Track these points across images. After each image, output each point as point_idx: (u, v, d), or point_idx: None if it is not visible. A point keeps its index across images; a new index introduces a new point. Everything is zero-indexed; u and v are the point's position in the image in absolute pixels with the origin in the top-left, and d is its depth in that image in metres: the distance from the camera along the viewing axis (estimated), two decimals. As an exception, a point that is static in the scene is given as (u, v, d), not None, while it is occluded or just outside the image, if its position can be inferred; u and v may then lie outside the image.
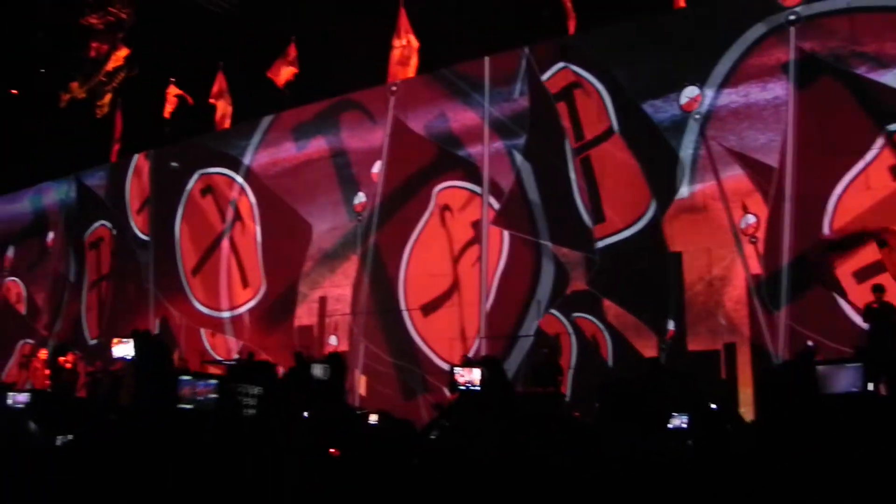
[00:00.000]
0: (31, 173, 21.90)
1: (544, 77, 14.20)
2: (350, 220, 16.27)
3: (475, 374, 8.98)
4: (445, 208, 15.01)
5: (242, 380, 1.25)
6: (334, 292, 16.09)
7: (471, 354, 13.25)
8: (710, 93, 12.70)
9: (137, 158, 20.12)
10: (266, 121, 17.98)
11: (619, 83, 13.43)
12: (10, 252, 22.78)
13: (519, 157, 14.29)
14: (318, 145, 17.21)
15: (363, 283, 15.67)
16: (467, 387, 9.13)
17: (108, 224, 20.49)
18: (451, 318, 14.50)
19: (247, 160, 18.07)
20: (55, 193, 22.15)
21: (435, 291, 14.76)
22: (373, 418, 10.16)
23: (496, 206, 14.38)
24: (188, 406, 1.25)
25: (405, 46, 16.20)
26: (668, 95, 13.00)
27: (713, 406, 7.83)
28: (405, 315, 14.94)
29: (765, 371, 10.97)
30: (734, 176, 12.32)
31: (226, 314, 17.61)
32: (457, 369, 9.82)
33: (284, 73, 17.15)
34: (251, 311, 17.22)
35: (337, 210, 16.48)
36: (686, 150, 12.75)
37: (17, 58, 20.93)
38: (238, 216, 18.05)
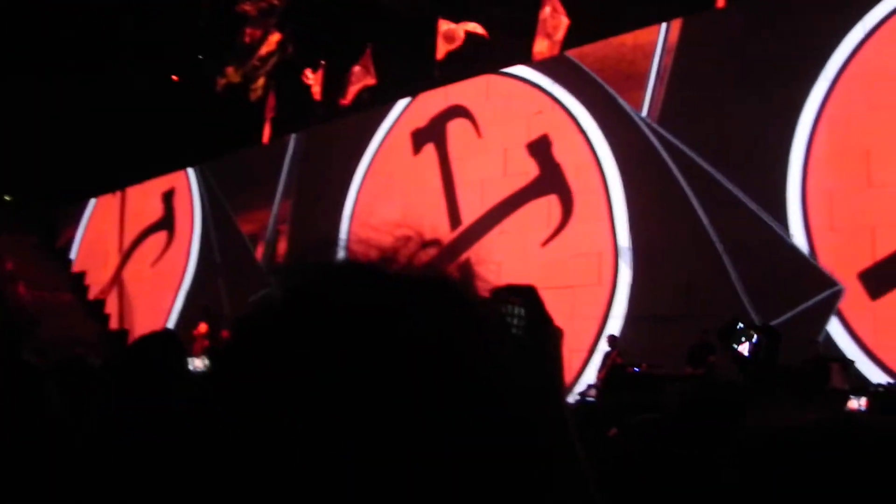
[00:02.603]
0: (185, 156, 22.87)
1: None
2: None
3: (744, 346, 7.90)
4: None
5: (505, 301, 1.23)
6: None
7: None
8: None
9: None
10: (396, 110, 18.53)
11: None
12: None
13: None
14: (429, 151, 17.60)
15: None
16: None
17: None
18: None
19: (372, 148, 18.65)
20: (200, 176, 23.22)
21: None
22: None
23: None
24: None
25: (551, 21, 16.07)
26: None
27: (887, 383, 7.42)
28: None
29: None
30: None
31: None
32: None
33: (442, 49, 17.37)
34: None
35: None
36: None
37: (179, 46, 22.01)
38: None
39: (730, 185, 13.15)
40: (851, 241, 11.95)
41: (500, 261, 15.31)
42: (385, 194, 18.04)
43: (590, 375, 13.55)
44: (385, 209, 17.83)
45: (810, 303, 12.09)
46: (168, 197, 23.94)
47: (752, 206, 12.88)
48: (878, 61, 12.22)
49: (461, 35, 17.11)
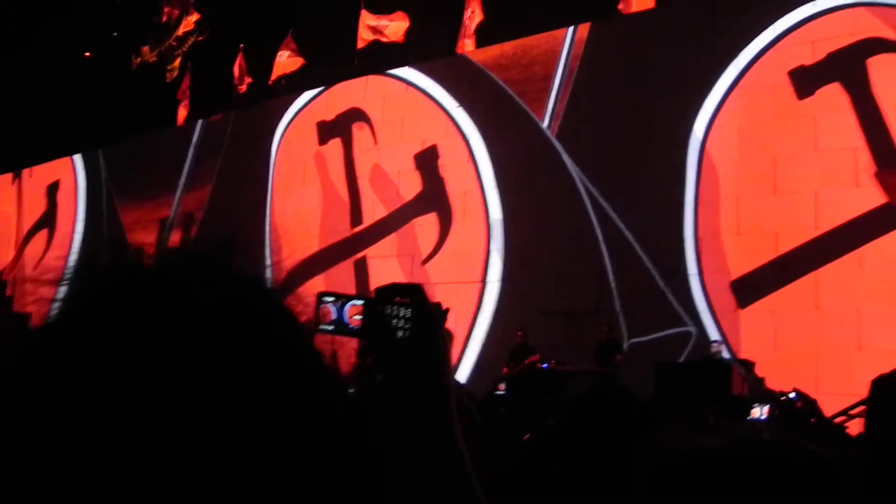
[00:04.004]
0: (99, 135, 22.19)
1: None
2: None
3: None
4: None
5: (390, 301, 1.12)
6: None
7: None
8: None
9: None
10: (303, 98, 18.57)
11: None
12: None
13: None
14: (335, 145, 17.61)
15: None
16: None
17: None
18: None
19: (277, 136, 18.62)
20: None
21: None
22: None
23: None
24: (329, 328, 1.13)
25: (471, 18, 16.12)
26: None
27: (792, 395, 7.56)
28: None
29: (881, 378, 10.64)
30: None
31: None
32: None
33: (363, 40, 17.21)
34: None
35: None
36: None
37: (92, 22, 21.30)
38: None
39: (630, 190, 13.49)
40: (755, 244, 12.31)
41: (413, 254, 15.38)
42: (299, 183, 17.95)
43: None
44: (298, 199, 17.74)
45: (666, 333, 12.71)
46: (52, 190, 23.49)
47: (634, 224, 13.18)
48: (785, 69, 12.59)
49: (382, 33, 17.02)
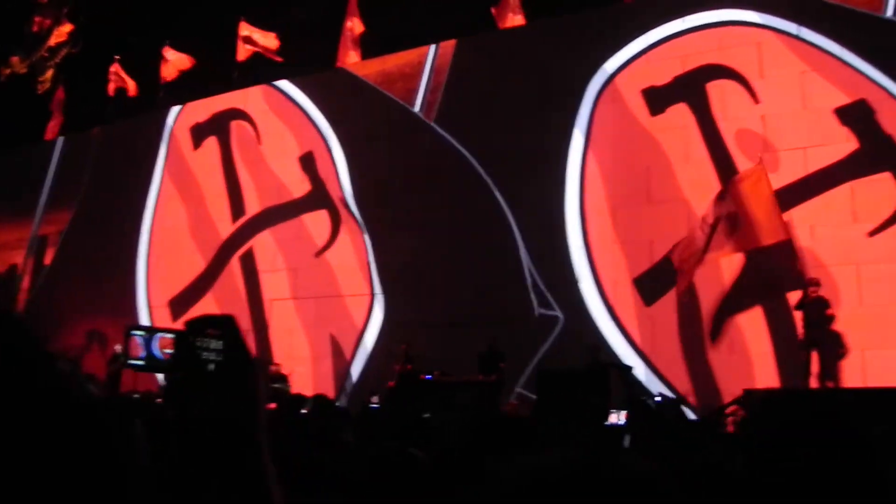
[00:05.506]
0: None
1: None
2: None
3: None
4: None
5: (201, 334, 1.09)
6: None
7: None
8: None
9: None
10: (175, 111, 18.31)
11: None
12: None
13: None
14: (210, 144, 17.48)
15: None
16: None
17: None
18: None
19: (162, 151, 18.19)
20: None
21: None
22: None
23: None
24: (139, 363, 1.07)
25: (351, 30, 16.13)
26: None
27: (657, 399, 7.72)
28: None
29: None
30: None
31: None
32: None
33: (243, 52, 16.97)
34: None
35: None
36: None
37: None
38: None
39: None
40: (631, 253, 12.63)
41: (295, 268, 15.24)
42: (180, 195, 17.56)
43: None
44: (181, 212, 17.36)
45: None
46: None
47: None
48: (657, 80, 12.99)
49: (260, 43, 16.83)
